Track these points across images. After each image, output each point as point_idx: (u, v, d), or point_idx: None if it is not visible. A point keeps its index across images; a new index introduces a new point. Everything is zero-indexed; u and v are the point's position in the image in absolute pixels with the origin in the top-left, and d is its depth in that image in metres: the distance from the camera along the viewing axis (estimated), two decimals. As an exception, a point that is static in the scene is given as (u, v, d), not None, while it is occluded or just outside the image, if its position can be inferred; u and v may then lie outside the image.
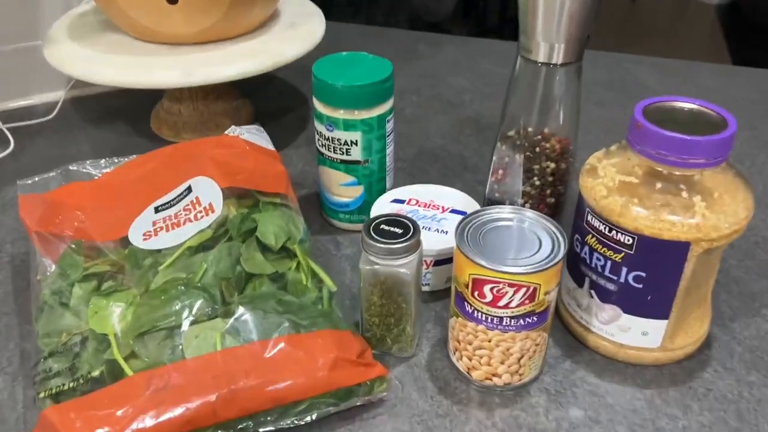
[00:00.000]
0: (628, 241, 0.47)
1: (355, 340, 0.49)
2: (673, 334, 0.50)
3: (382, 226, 0.49)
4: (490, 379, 0.49)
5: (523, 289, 0.44)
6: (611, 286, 0.49)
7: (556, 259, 0.44)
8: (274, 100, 0.90)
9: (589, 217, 0.49)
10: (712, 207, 0.45)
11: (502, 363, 0.48)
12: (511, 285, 0.44)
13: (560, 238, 0.46)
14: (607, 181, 0.48)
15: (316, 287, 0.53)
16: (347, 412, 0.48)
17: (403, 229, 0.49)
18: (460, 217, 0.59)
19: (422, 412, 0.49)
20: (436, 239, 0.56)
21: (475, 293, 0.46)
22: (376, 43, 1.07)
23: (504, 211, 0.49)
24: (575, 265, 0.52)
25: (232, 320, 0.47)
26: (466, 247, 0.46)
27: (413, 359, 0.53)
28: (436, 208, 0.60)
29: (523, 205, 0.58)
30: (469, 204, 0.61)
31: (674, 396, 0.50)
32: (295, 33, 0.76)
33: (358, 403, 0.48)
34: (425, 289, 0.58)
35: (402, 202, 0.61)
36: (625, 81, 0.95)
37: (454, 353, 0.51)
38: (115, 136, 0.83)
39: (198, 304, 0.47)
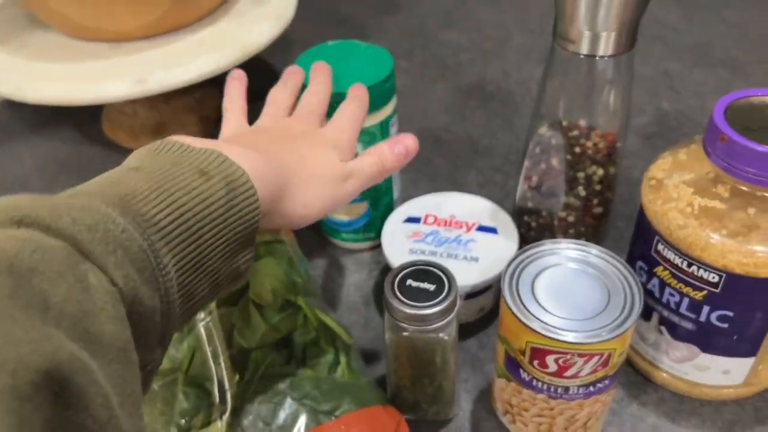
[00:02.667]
0: (714, 278, 0.38)
1: (386, 416, 0.41)
2: (758, 368, 0.43)
3: (409, 281, 0.40)
4: (551, 445, 0.42)
5: (596, 358, 0.36)
6: (688, 325, 0.41)
7: (632, 319, 0.36)
8: (243, 82, 0.78)
9: (660, 247, 0.40)
10: (818, 232, 0.36)
11: (566, 429, 0.41)
12: (581, 355, 0.36)
13: (634, 287, 0.37)
14: (683, 205, 0.38)
15: (329, 344, 0.44)
16: (387, 504, 0.40)
17: (435, 283, 0.39)
18: (490, 237, 0.50)
19: (475, 494, 0.41)
20: (467, 270, 0.47)
21: (535, 362, 0.37)
22: (351, -4, 0.93)
23: (560, 247, 0.39)
24: (639, 297, 0.43)
25: (236, 422, 0.38)
26: (520, 307, 0.37)
27: (454, 422, 0.45)
28: (459, 226, 0.50)
29: (565, 218, 0.49)
30: (497, 216, 0.51)
31: (763, 440, 0.43)
32: (263, 10, 0.63)
33: (399, 494, 0.40)
34: (455, 323, 0.50)
35: (417, 220, 0.51)
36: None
37: (505, 414, 0.43)
38: (63, 145, 0.71)
39: (188, 403, 0.38)
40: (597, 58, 0.42)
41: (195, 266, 0.28)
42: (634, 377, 0.46)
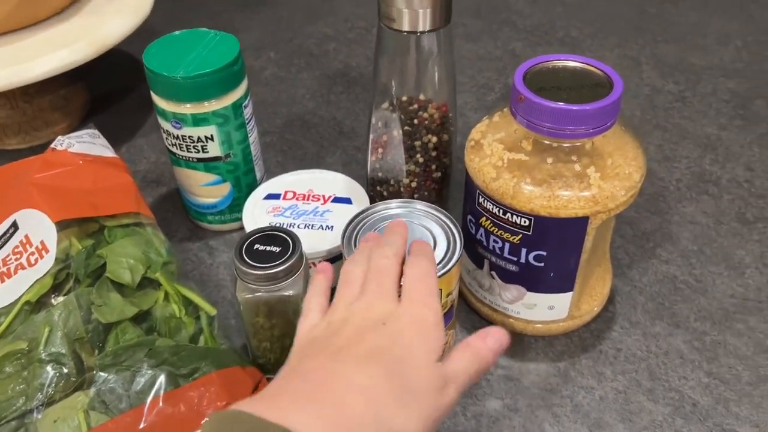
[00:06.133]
0: (525, 222, 0.43)
1: (245, 375, 0.43)
2: (579, 302, 0.49)
3: (256, 246, 0.43)
4: (401, 387, 0.46)
5: (424, 299, 0.40)
6: (512, 267, 0.46)
7: (455, 260, 0.40)
8: (108, 80, 0.78)
9: (481, 199, 0.45)
10: (606, 175, 0.42)
11: (411, 370, 0.45)
12: (409, 297, 0.40)
13: (454, 231, 0.42)
14: (495, 160, 0.43)
15: (192, 316, 0.47)
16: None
17: (280, 246, 0.42)
18: (345, 207, 0.53)
19: (334, 439, 0.44)
20: (323, 238, 0.51)
21: (372, 309, 0.41)
22: (221, -8, 0.95)
23: (391, 207, 0.44)
24: (472, 247, 0.48)
25: (94, 391, 0.40)
26: (355, 260, 0.40)
27: (315, 377, 0.48)
28: (316, 199, 0.54)
29: (409, 184, 0.53)
30: (352, 188, 0.55)
31: (587, 364, 0.48)
32: (118, 5, 0.64)
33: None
34: (317, 289, 0.53)
35: (277, 196, 0.54)
36: (492, 3, 0.90)
37: (359, 365, 0.46)
38: None
39: (48, 378, 0.40)
40: (418, 33, 0.46)
41: None
42: (479, 323, 0.51)
